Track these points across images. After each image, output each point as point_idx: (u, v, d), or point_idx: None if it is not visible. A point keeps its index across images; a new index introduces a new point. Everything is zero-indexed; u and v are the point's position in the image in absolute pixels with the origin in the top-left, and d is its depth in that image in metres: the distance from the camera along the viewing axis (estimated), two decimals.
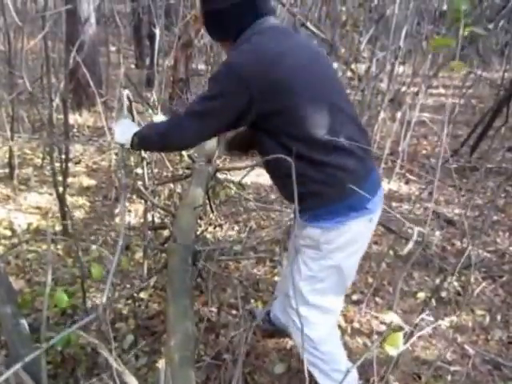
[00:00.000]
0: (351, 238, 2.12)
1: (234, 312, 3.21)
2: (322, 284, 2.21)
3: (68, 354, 2.67)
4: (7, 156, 5.00)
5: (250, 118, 1.95)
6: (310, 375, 2.36)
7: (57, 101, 4.59)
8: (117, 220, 4.46)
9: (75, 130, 6.98)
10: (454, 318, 3.26)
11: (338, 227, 2.07)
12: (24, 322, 1.78)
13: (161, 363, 0.96)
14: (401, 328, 1.50)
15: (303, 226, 2.15)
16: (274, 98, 1.89)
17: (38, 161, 5.59)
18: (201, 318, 3.08)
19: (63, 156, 3.88)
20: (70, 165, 4.63)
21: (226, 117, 1.97)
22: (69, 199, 4.41)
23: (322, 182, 2.01)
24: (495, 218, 4.89)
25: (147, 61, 10.83)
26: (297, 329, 2.27)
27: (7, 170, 5.06)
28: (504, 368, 2.86)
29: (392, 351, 1.40)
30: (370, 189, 2.04)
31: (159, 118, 3.29)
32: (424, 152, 6.94)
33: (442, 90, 10.79)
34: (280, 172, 2.07)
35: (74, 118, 7.28)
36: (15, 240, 3.96)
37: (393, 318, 1.50)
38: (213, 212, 4.46)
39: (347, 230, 2.08)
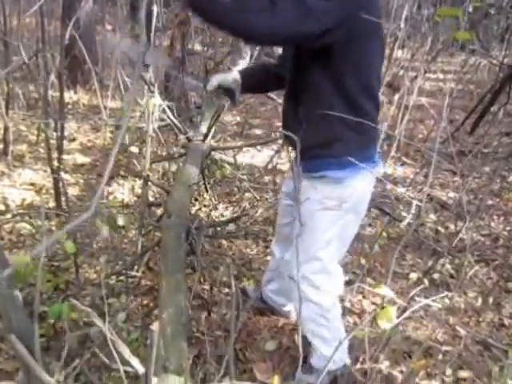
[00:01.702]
0: (362, 196, 2.18)
1: (226, 290, 3.22)
2: (335, 248, 2.25)
3: (60, 327, 2.68)
4: (2, 132, 4.97)
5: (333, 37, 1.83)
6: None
7: (52, 77, 4.56)
8: (110, 198, 4.45)
9: (70, 107, 6.94)
10: (446, 300, 3.27)
11: (355, 177, 2.09)
12: (18, 293, 1.78)
13: (154, 325, 0.95)
14: (394, 303, 1.50)
15: (324, 184, 2.13)
16: (359, 32, 1.85)
17: (33, 138, 5.55)
18: (193, 296, 3.08)
19: (58, 133, 3.85)
20: (64, 142, 4.62)
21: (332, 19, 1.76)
22: (63, 176, 4.39)
23: (355, 129, 2.02)
24: (490, 202, 4.91)
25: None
26: (306, 299, 2.26)
27: (2, 147, 5.03)
28: (494, 349, 2.88)
29: (385, 325, 1.40)
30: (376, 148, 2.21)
31: (156, 99, 3.27)
32: (420, 136, 6.95)
33: (440, 75, 10.78)
34: (319, 112, 1.99)
35: (68, 96, 7.22)
36: (9, 215, 3.95)
37: (386, 292, 1.49)
38: (207, 191, 4.46)
39: (359, 183, 2.12)
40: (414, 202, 1.69)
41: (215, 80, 2.31)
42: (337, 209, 2.14)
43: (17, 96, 6.09)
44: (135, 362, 1.48)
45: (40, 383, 1.45)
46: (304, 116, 2.07)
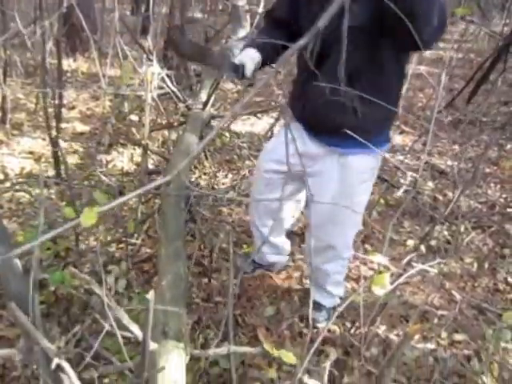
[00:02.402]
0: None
1: (225, 257, 3.24)
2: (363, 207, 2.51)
3: (61, 294, 2.70)
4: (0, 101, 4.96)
5: None
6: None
7: (50, 45, 4.54)
8: (110, 166, 4.46)
9: (69, 75, 6.91)
10: (443, 266, 3.32)
11: (383, 151, 2.24)
12: (17, 261, 1.80)
13: (150, 294, 0.96)
14: (388, 270, 1.53)
15: (360, 159, 2.26)
16: None
17: (32, 106, 5.54)
18: (193, 263, 3.12)
19: (56, 101, 3.85)
20: (63, 110, 4.61)
21: None
22: (62, 145, 4.40)
23: (395, 106, 2.16)
24: (488, 170, 4.94)
25: (143, 8, 10.66)
26: (340, 258, 2.64)
27: (0, 115, 5.02)
28: (489, 313, 2.93)
29: (378, 291, 1.43)
30: None
31: (155, 67, 3.26)
32: (420, 104, 6.94)
33: (440, 44, 10.71)
34: (379, 92, 1.99)
35: (67, 64, 7.20)
36: (8, 184, 3.97)
37: (380, 259, 1.52)
38: (207, 159, 4.47)
39: (380, 156, 2.31)
40: (409, 174, 1.71)
41: (250, 64, 2.14)
42: (371, 179, 2.37)
43: (14, 64, 6.06)
44: (134, 327, 1.50)
45: (41, 350, 1.47)
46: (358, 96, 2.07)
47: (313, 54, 2.09)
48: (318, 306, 2.83)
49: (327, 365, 1.37)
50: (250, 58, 2.14)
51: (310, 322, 1.42)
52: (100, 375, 1.92)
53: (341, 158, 2.26)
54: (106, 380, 2.28)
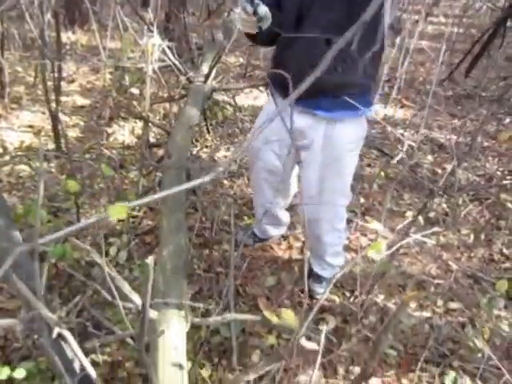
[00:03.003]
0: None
1: (227, 229, 3.28)
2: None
3: (62, 267, 2.71)
4: None
5: None
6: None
7: (48, 17, 4.51)
8: (111, 139, 4.47)
9: (68, 48, 6.85)
10: (441, 237, 3.37)
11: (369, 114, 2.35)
12: (17, 233, 1.83)
13: (150, 259, 0.99)
14: (386, 238, 1.58)
15: (347, 124, 2.31)
16: None
17: (30, 79, 5.51)
18: (195, 235, 3.16)
19: (56, 74, 3.83)
20: (63, 84, 4.60)
21: None
22: (62, 118, 4.39)
23: (376, 70, 2.34)
24: (486, 144, 4.97)
25: None
26: (334, 230, 2.67)
27: None
28: (484, 282, 2.99)
29: (374, 256, 1.47)
30: None
31: (156, 39, 3.26)
32: (421, 79, 6.95)
33: (442, 19, 10.68)
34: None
35: (66, 36, 7.14)
36: (7, 158, 3.98)
37: (376, 226, 1.57)
38: (209, 133, 4.48)
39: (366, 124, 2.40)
40: (406, 142, 1.75)
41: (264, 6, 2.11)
42: (357, 149, 2.42)
43: (12, 36, 6.00)
44: (135, 296, 1.54)
45: (42, 320, 1.50)
46: (348, 59, 2.14)
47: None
48: (317, 278, 2.88)
49: (324, 328, 1.42)
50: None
51: (306, 289, 1.46)
52: (101, 344, 1.97)
53: (328, 126, 2.29)
54: (108, 349, 2.32)
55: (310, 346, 1.46)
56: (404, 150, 3.65)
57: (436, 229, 2.20)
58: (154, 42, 3.12)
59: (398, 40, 5.00)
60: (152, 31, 3.29)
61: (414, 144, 2.01)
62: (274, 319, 1.62)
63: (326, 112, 2.25)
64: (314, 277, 2.88)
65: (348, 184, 2.52)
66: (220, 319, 1.67)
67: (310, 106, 2.25)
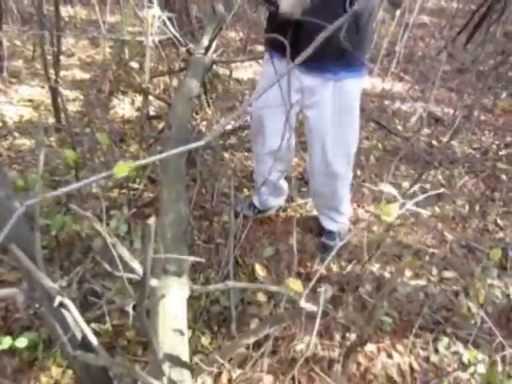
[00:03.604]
0: None
1: (227, 200, 3.32)
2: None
3: (63, 239, 2.74)
4: None
5: None
6: None
7: None
8: (111, 113, 4.48)
9: (67, 21, 6.72)
10: (437, 208, 3.43)
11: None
12: (18, 204, 1.85)
13: (151, 220, 1.02)
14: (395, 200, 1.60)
15: (354, 81, 2.45)
16: None
17: (29, 53, 5.45)
18: (195, 206, 3.21)
19: (55, 47, 3.79)
20: (62, 58, 4.58)
21: None
22: (62, 92, 4.39)
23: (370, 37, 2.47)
24: (483, 117, 5.01)
25: None
26: (344, 178, 2.81)
27: None
28: (478, 252, 3.06)
29: (388, 218, 1.49)
30: None
31: (155, 9, 3.25)
32: (420, 54, 6.95)
33: None
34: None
35: (65, 10, 7.04)
36: (6, 131, 3.97)
37: (388, 188, 1.59)
38: (209, 106, 4.50)
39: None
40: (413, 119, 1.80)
41: None
42: (358, 99, 2.57)
43: (10, 10, 5.92)
44: (135, 264, 1.58)
45: (43, 290, 1.53)
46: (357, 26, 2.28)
47: None
48: (329, 233, 3.03)
49: (322, 290, 1.46)
50: None
51: (295, 249, 1.51)
52: (102, 314, 2.02)
53: (336, 84, 2.40)
54: (108, 319, 2.37)
55: (309, 306, 1.50)
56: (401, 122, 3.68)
57: (441, 190, 2.26)
58: (154, 14, 3.12)
59: (397, 14, 5.01)
60: (152, 3, 3.28)
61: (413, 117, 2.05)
62: (275, 288, 1.65)
63: (332, 74, 2.37)
64: (326, 233, 3.04)
65: (357, 131, 2.67)
66: (221, 287, 1.71)
67: (316, 68, 2.34)
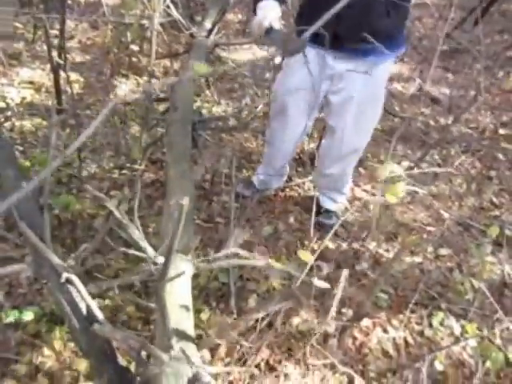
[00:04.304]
0: None
1: (226, 181, 3.34)
2: None
3: (65, 218, 2.79)
4: None
5: None
6: None
7: None
8: (111, 95, 4.50)
9: (69, 3, 6.67)
10: (433, 187, 3.48)
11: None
12: (25, 184, 1.88)
13: (184, 201, 1.03)
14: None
15: (387, 62, 2.52)
16: None
17: (30, 35, 5.38)
18: (195, 187, 3.25)
19: (57, 31, 3.79)
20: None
21: None
22: (62, 75, 4.41)
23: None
24: (479, 97, 5.03)
25: None
26: (358, 153, 2.85)
27: None
28: (473, 229, 3.12)
29: (392, 199, 1.52)
30: None
31: None
32: (417, 34, 6.96)
33: None
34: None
35: None
36: (9, 113, 3.98)
37: (392, 167, 1.61)
38: (209, 88, 4.52)
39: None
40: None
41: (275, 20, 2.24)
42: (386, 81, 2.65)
43: None
44: (145, 243, 1.61)
45: (50, 266, 1.57)
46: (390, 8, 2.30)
47: None
48: (327, 213, 3.11)
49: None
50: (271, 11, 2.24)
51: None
52: (107, 288, 2.07)
53: (367, 68, 2.41)
54: (109, 295, 2.42)
55: (322, 284, 1.55)
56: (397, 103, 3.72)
57: (445, 170, 2.30)
58: None
59: None
60: None
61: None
62: (276, 264, 1.69)
63: (364, 57, 2.40)
64: (324, 213, 3.11)
65: (378, 118, 2.74)
66: (225, 264, 1.75)
67: (349, 53, 2.38)
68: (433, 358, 2.27)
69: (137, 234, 1.64)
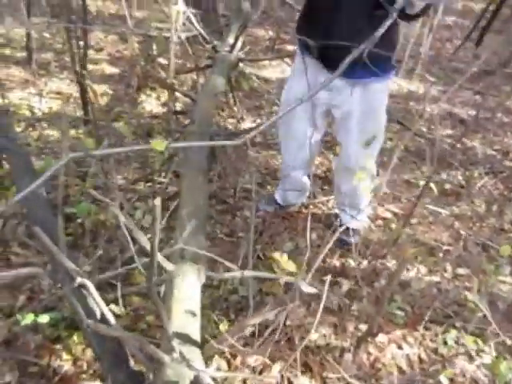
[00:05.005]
0: None
1: (249, 196, 3.35)
2: None
3: (88, 227, 2.82)
4: (25, 39, 4.94)
5: None
6: None
7: None
8: (138, 108, 4.55)
9: (94, 15, 6.77)
10: (455, 208, 3.49)
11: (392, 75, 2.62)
12: (42, 191, 1.94)
13: (156, 201, 1.07)
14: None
15: (383, 82, 2.55)
16: None
17: (59, 46, 5.52)
18: (218, 201, 3.32)
19: (81, 42, 3.85)
20: (91, 52, 4.61)
21: None
22: (91, 86, 4.47)
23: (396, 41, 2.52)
24: (505, 119, 5.03)
25: None
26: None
27: (25, 54, 5.00)
28: (492, 250, 3.12)
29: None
30: None
31: (180, 5, 3.28)
32: (447, 55, 6.96)
33: None
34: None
35: (95, 4, 7.15)
36: (36, 123, 4.05)
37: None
38: (235, 104, 4.58)
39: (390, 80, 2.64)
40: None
41: None
42: (386, 100, 2.67)
43: (39, 2, 5.96)
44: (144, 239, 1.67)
45: (65, 271, 1.62)
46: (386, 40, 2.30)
47: None
48: (348, 231, 3.06)
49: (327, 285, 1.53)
50: None
51: (309, 242, 1.60)
52: (123, 295, 2.11)
53: (363, 85, 2.50)
54: (130, 303, 2.46)
55: (309, 289, 1.58)
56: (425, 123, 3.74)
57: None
58: (179, 9, 3.16)
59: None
60: None
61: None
62: (289, 278, 1.72)
63: (360, 77, 2.45)
64: (345, 230, 3.04)
65: (383, 131, 2.75)
66: (237, 274, 1.78)
67: (344, 71, 2.43)
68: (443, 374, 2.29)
69: (144, 241, 1.67)
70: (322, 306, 1.51)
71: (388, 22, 1.53)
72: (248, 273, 1.80)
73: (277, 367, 2.24)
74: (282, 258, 1.60)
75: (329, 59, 2.44)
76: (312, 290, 1.58)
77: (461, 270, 2.93)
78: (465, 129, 4.75)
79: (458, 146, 4.38)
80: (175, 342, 1.38)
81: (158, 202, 1.08)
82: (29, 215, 1.88)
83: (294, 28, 2.67)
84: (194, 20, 3.74)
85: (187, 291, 1.68)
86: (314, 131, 2.82)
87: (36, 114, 4.21)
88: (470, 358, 2.39)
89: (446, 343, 2.46)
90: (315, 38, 2.32)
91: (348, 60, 1.52)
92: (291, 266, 1.63)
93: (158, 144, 1.27)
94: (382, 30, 1.49)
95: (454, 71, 6.28)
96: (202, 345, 1.56)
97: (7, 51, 5.40)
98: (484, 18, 6.72)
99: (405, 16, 2.15)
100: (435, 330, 2.51)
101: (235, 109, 4.55)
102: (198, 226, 2.04)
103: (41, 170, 2.61)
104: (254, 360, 2.25)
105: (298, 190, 3.26)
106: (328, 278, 1.57)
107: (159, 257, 1.64)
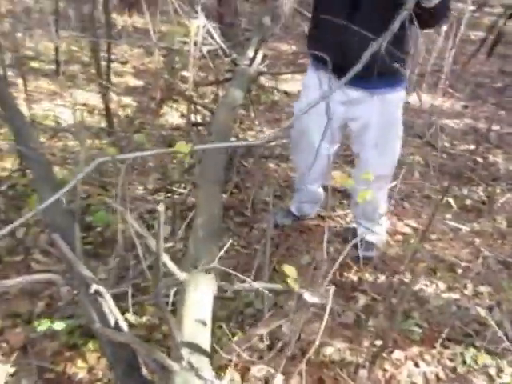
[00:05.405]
0: None
1: (267, 208, 3.36)
2: None
3: (108, 236, 2.88)
4: (53, 53, 5.05)
5: None
6: None
7: None
8: (161, 120, 4.59)
9: (120, 29, 6.89)
10: (475, 224, 3.43)
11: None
12: (62, 200, 1.94)
13: (160, 206, 1.07)
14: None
15: (398, 92, 2.60)
16: None
17: (86, 59, 5.62)
18: (236, 213, 3.30)
19: (106, 54, 3.97)
20: (116, 65, 4.68)
21: None
22: (115, 98, 4.50)
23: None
24: None
25: None
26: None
27: (54, 67, 5.12)
28: None
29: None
30: None
31: (200, 19, 3.28)
32: (473, 70, 6.91)
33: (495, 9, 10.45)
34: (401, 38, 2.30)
35: (122, 19, 7.27)
36: (60, 133, 4.10)
37: None
38: (255, 116, 4.57)
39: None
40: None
41: None
42: (401, 110, 2.69)
43: (67, 16, 6.08)
44: (165, 258, 1.64)
45: (81, 277, 1.62)
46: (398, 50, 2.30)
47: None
48: (366, 245, 3.04)
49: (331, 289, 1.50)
50: None
51: (325, 255, 1.56)
52: (138, 303, 2.10)
53: (379, 97, 2.53)
54: (146, 312, 2.47)
55: (313, 299, 1.54)
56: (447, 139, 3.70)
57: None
58: (199, 23, 3.17)
59: (444, 28, 4.98)
60: (196, 11, 3.32)
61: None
62: (296, 287, 1.68)
63: (377, 88, 2.50)
64: (365, 245, 3.05)
65: (400, 141, 2.77)
66: (247, 286, 1.76)
67: (362, 83, 2.43)
68: None
69: (155, 247, 1.66)
70: (326, 315, 1.45)
71: (404, 13, 1.48)
72: (258, 284, 1.77)
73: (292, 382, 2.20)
74: (290, 270, 1.56)
75: (344, 72, 2.39)
76: (316, 301, 1.54)
77: (482, 288, 2.87)
78: (486, 143, 4.70)
79: (480, 161, 4.33)
80: (184, 351, 1.37)
81: (161, 208, 1.08)
82: (49, 223, 1.88)
83: (306, 41, 2.68)
84: (214, 34, 3.76)
85: (199, 300, 1.67)
86: (329, 144, 2.81)
87: (61, 124, 4.27)
88: (490, 378, 2.33)
89: (464, 362, 2.40)
90: (328, 51, 2.28)
91: (366, 55, 1.48)
92: (295, 277, 1.59)
93: (183, 147, 1.30)
94: (396, 25, 1.45)
95: (478, 86, 6.24)
96: (212, 355, 1.53)
97: (36, 64, 5.51)
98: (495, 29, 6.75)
99: (422, 12, 2.06)
100: (454, 349, 2.45)
101: (255, 122, 4.54)
102: (211, 235, 2.04)
103: (61, 180, 2.64)
104: (265, 372, 2.22)
105: (313, 202, 3.25)
106: (331, 288, 1.52)
107: (171, 265, 1.62)
